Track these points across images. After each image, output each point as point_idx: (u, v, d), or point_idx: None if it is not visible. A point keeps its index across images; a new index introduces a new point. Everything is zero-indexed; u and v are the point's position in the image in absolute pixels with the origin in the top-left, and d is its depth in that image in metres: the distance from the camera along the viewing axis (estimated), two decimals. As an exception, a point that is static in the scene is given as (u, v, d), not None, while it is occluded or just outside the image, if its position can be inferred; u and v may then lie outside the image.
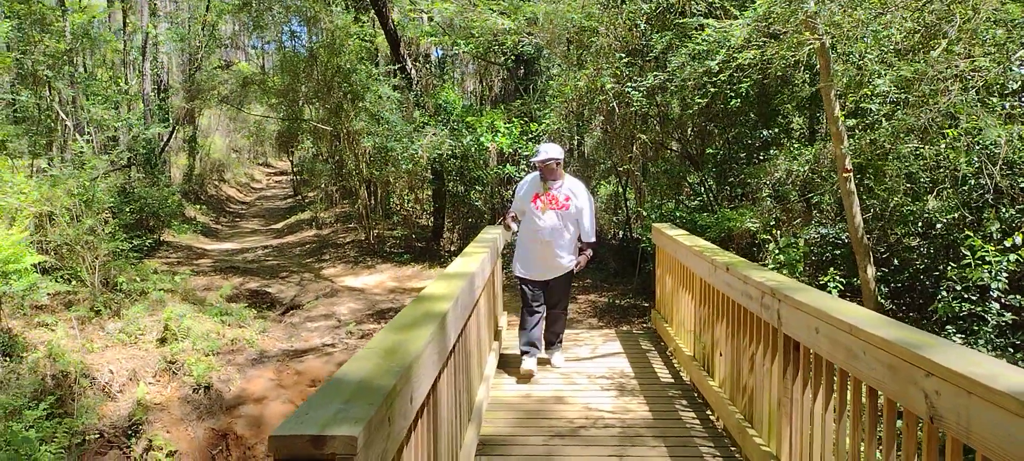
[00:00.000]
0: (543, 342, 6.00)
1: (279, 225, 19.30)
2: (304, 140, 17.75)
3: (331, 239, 15.58)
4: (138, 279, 9.55)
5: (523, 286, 5.84)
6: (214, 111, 27.10)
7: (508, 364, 6.20)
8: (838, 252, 7.15)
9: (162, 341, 8.31)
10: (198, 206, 21.25)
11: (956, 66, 4.18)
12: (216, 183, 26.45)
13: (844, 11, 5.15)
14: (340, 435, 1.59)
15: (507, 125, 10.49)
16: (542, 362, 6.14)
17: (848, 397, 2.87)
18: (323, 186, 18.44)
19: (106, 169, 12.66)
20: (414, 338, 2.53)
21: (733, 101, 7.61)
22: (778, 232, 6.48)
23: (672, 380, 5.90)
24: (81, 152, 11.52)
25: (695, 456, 4.33)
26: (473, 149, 10.66)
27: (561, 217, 5.62)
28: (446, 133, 10.87)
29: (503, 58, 12.66)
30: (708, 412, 5.09)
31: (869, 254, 6.39)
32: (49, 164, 11.19)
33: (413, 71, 13.25)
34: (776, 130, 8.13)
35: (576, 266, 5.83)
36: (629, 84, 8.23)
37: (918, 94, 4.66)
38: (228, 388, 7.90)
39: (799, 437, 3.40)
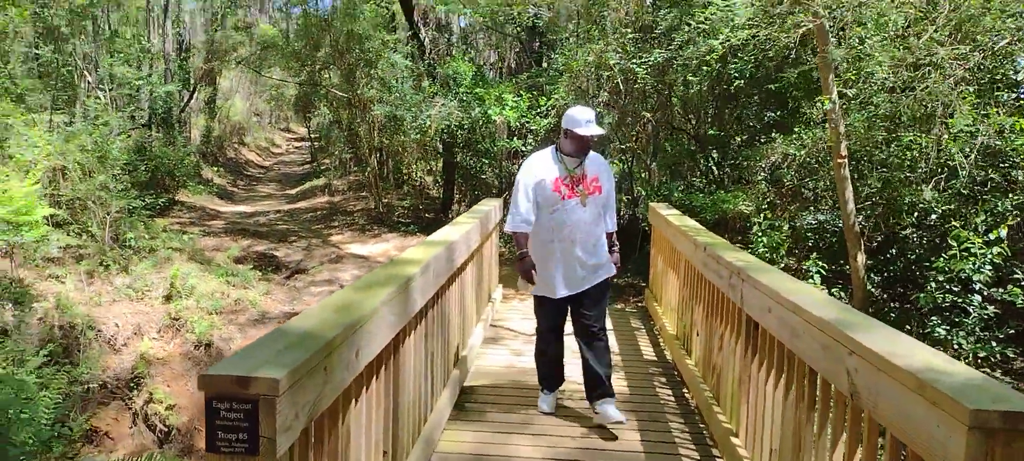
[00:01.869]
0: (563, 373, 4.61)
1: (293, 190, 19.53)
2: (321, 106, 17.90)
3: (342, 206, 15.77)
4: (147, 236, 9.79)
5: (539, 303, 4.39)
6: (235, 73, 27.35)
7: (499, 337, 6.32)
8: (834, 239, 7.17)
9: (168, 298, 8.54)
10: (216, 168, 21.54)
11: (935, 54, 4.18)
12: (236, 146, 26.75)
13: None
14: (263, 377, 1.71)
15: (515, 98, 10.53)
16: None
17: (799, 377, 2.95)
18: (337, 153, 18.62)
19: (123, 126, 12.89)
20: (369, 297, 2.64)
21: (736, 82, 7.61)
22: (768, 216, 6.51)
23: (655, 358, 5.99)
24: (97, 108, 11.73)
25: (664, 430, 4.43)
26: (481, 121, 10.72)
27: (594, 205, 4.20)
28: (455, 104, 10.94)
29: (516, 30, 12.65)
30: (684, 390, 5.18)
31: (860, 242, 6.41)
32: (70, 120, 11.43)
33: (426, 40, 13.29)
34: (781, 113, 8.10)
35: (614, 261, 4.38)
36: (635, 61, 8.23)
37: (903, 80, 4.65)
38: (229, 346, 8.12)
39: (754, 414, 3.49)
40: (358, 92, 13.19)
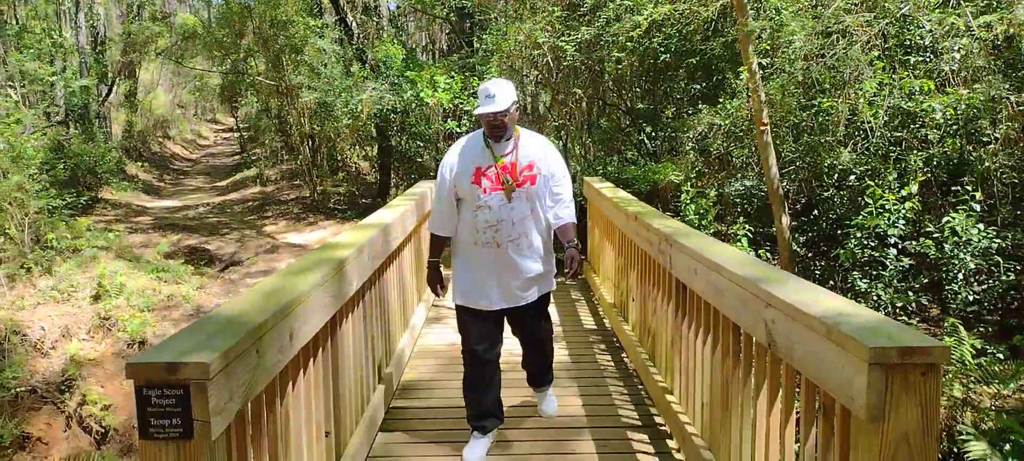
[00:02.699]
0: (502, 407, 3.77)
1: (224, 182, 19.03)
2: (248, 95, 17.45)
3: (275, 196, 15.47)
4: (70, 236, 9.41)
5: (465, 319, 3.58)
6: (156, 66, 26.37)
7: (441, 316, 6.35)
8: (760, 204, 7.44)
9: (96, 298, 8.26)
10: (140, 163, 20.79)
11: (843, 22, 4.39)
12: (160, 140, 25.84)
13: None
14: (193, 362, 1.71)
15: (448, 80, 10.49)
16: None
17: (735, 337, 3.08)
18: (268, 143, 18.20)
19: (36, 124, 12.31)
20: (300, 282, 2.64)
21: (662, 56, 7.78)
22: (696, 185, 6.73)
23: (595, 327, 6.13)
24: (7, 106, 11.17)
25: (604, 393, 4.56)
26: (413, 104, 10.66)
27: (525, 198, 3.42)
28: (387, 88, 10.83)
29: (445, 11, 12.58)
30: (623, 355, 5.33)
31: (784, 204, 6.68)
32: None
33: (354, 24, 13.09)
34: (706, 85, 8.34)
35: (566, 274, 3.41)
36: (564, 39, 8.31)
37: (816, 48, 4.87)
38: (163, 343, 7.91)
39: (686, 371, 3.64)
40: (285, 79, 12.91)
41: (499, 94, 3.34)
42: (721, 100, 6.97)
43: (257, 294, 2.42)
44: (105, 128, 19.09)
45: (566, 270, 3.39)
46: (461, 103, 10.66)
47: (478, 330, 3.55)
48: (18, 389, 6.64)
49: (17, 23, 17.66)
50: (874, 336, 1.78)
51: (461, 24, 13.68)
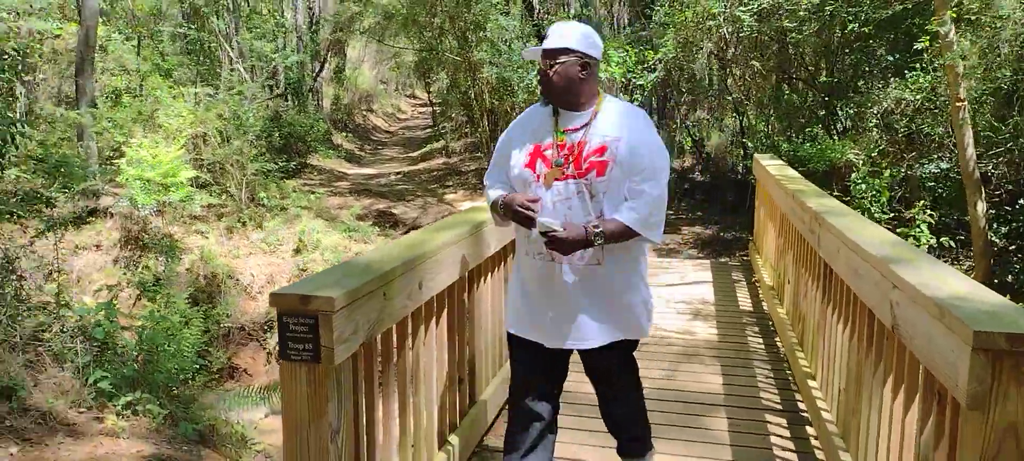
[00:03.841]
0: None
1: (415, 153, 20.36)
2: (439, 71, 18.48)
3: (457, 167, 16.32)
4: (279, 196, 10.65)
5: (513, 353, 2.69)
6: (362, 43, 28.63)
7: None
8: (954, 188, 6.73)
9: (296, 251, 9.32)
10: (345, 134, 22.77)
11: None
12: (364, 113, 28.09)
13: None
14: (322, 296, 1.99)
15: (621, 54, 10.46)
16: None
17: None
18: (454, 116, 19.18)
19: (258, 97, 13.96)
20: (438, 238, 2.90)
21: (851, 25, 7.21)
22: (876, 164, 6.20)
23: (751, 309, 5.95)
24: (234, 80, 12.79)
25: (749, 374, 4.46)
26: (587, 79, 10.76)
27: (585, 193, 2.40)
28: (561, 63, 11.02)
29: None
30: (776, 339, 5.15)
31: (981, 189, 6.01)
32: (213, 92, 12.56)
33: (536, 1, 13.39)
34: (898, 56, 7.60)
35: (546, 235, 2.33)
36: (740, 8, 8.00)
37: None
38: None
39: (827, 356, 3.49)
40: (470, 56, 13.54)
41: (555, 34, 2.41)
42: (911, 72, 6.34)
43: (397, 246, 2.71)
44: (316, 101, 21.14)
45: (547, 231, 2.29)
46: (635, 77, 10.59)
47: (525, 370, 2.63)
48: (230, 326, 7.72)
49: (248, 5, 20.00)
50: (984, 320, 1.66)
51: (641, -4, 13.52)
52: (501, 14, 13.00)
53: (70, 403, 4.20)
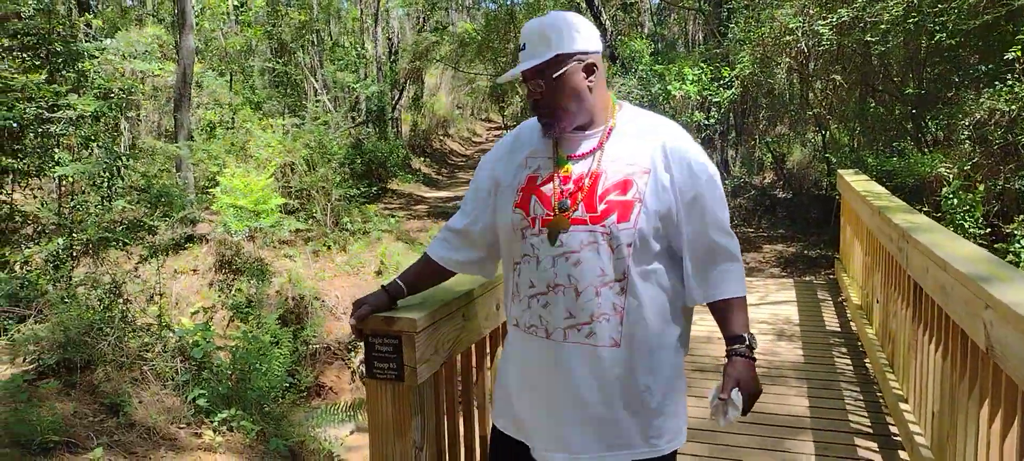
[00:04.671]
0: None
1: (491, 175, 20.64)
2: (512, 95, 18.77)
3: (534, 188, 16.47)
4: (361, 220, 11.02)
5: (494, 455, 2.03)
6: (439, 70, 29.38)
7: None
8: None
9: (378, 273, 9.61)
10: (422, 158, 23.33)
11: None
12: (441, 137, 28.71)
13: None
14: (405, 317, 2.08)
15: (696, 71, 10.38)
16: None
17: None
18: (528, 138, 19.38)
19: (341, 125, 14.51)
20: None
21: (938, 35, 6.93)
22: (969, 177, 5.89)
23: (838, 329, 5.76)
24: (319, 110, 13.34)
25: (836, 397, 4.33)
26: (660, 98, 10.71)
27: (603, 244, 1.68)
28: (635, 82, 11.01)
29: (697, 2, 12.39)
30: (865, 360, 4.97)
31: (1089, 202, 5.64)
32: (300, 123, 13.16)
33: (607, 21, 13.44)
34: (992, 65, 7.23)
35: (722, 411, 1.71)
36: (819, 21, 7.82)
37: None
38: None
39: (920, 378, 3.36)
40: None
41: (533, 37, 1.71)
42: (1005, 82, 6.01)
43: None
44: (396, 128, 21.79)
45: (722, 396, 1.69)
46: (710, 95, 10.47)
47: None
48: (317, 346, 8.02)
49: (331, 39, 20.85)
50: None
51: (716, 11, 13.37)
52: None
53: (171, 419, 4.47)
